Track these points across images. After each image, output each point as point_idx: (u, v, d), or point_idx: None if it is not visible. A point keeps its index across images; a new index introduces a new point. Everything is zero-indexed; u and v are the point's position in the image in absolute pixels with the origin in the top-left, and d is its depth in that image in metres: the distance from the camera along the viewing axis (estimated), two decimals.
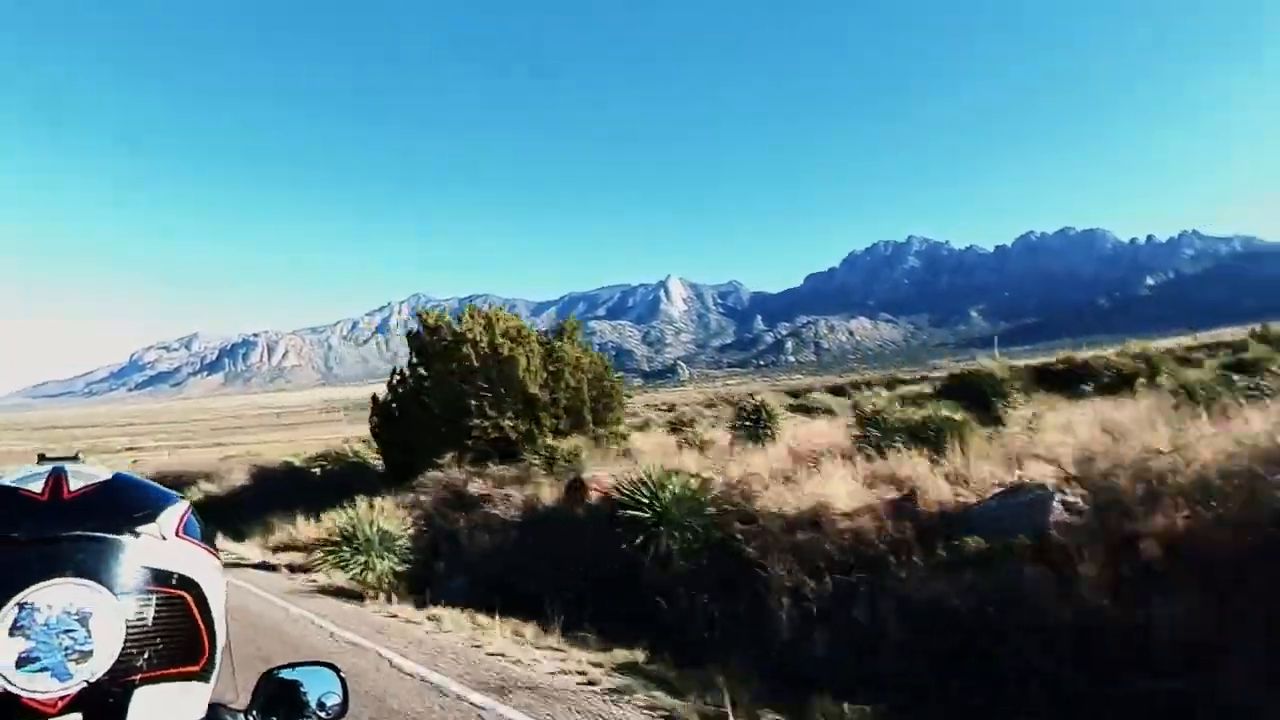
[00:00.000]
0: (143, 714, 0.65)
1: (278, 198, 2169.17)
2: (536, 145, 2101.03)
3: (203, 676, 0.74)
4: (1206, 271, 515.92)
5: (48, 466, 0.85)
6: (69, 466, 0.87)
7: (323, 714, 1.08)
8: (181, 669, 0.70)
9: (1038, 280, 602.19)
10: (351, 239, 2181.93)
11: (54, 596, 0.62)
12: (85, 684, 0.61)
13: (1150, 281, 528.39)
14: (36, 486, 0.74)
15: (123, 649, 0.64)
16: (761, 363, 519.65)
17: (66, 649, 0.61)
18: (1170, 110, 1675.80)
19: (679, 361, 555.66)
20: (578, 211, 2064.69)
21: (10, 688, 0.59)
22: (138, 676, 0.66)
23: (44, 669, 0.60)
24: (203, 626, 0.73)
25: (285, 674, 1.10)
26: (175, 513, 0.78)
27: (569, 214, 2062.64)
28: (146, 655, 0.66)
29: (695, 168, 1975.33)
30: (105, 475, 0.78)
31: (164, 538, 0.73)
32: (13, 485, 0.74)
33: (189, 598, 0.72)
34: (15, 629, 0.60)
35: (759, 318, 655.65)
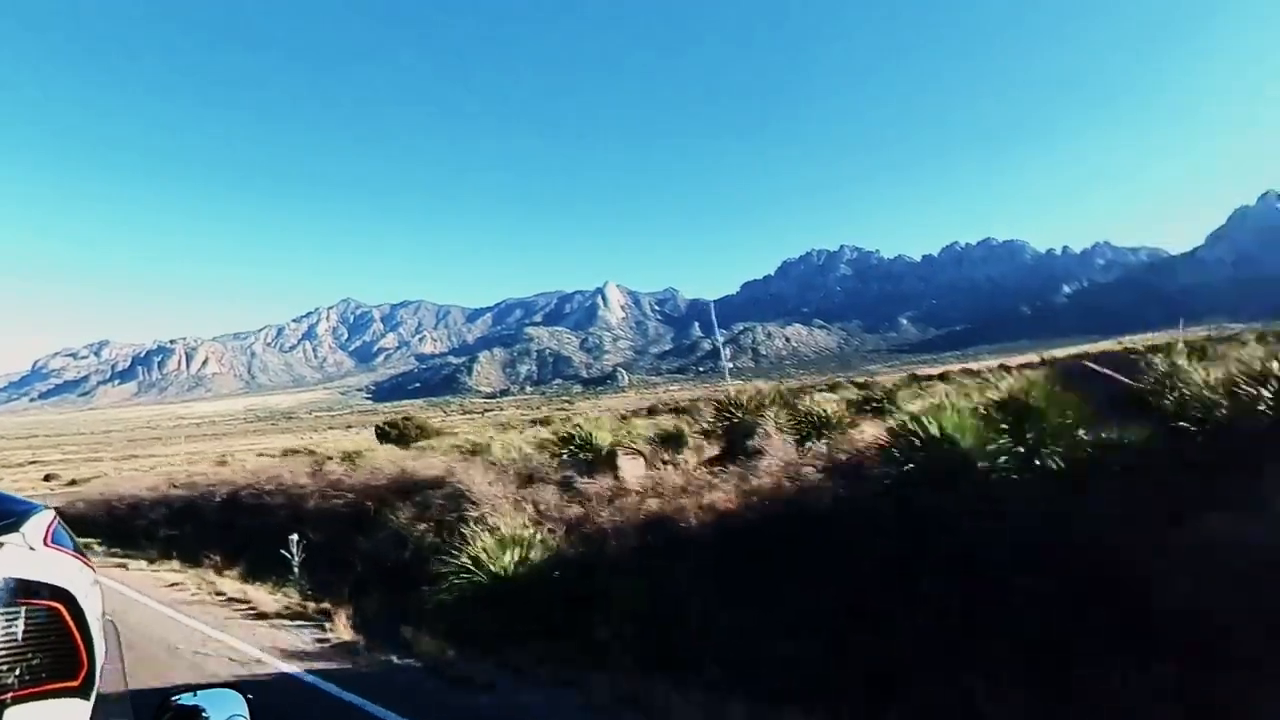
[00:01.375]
0: None
1: (196, 200, 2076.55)
2: (472, 150, 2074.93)
3: (82, 693, 0.69)
4: (1118, 281, 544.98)
5: None
6: None
7: None
8: (58, 685, 0.66)
9: (963, 289, 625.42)
10: (276, 243, 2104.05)
11: None
12: None
13: (1067, 290, 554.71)
14: None
15: None
16: (701, 369, 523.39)
17: None
18: (1082, 126, 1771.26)
19: (618, 368, 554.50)
20: (514, 217, 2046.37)
21: None
22: (9, 695, 0.62)
23: None
24: (79, 640, 0.68)
25: (185, 699, 1.04)
26: (41, 522, 0.73)
27: (504, 219, 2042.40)
28: (18, 672, 0.63)
29: (633, 175, 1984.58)
30: None
31: (32, 548, 0.69)
32: None
33: (63, 609, 0.68)
34: None
35: (696, 325, 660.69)
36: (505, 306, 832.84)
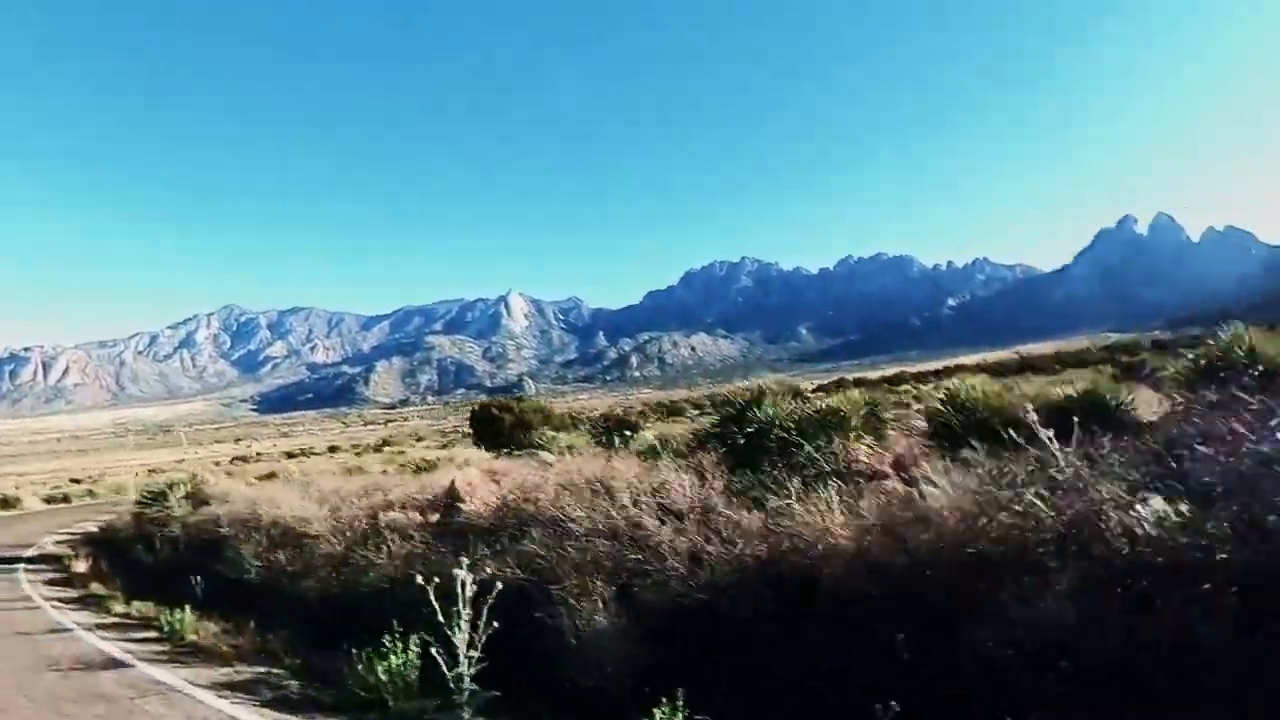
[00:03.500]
0: None
1: (52, 197, 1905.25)
2: (366, 151, 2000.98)
3: None
4: (996, 294, 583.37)
5: None
6: None
7: None
8: None
9: (857, 300, 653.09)
10: (149, 245, 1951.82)
11: None
12: None
13: (952, 303, 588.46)
14: None
15: None
16: (608, 377, 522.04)
17: None
18: (961, 148, 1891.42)
19: (524, 376, 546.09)
20: (410, 223, 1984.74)
21: None
22: None
23: None
24: None
25: None
26: None
27: (400, 225, 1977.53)
28: None
29: (536, 181, 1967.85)
30: None
31: None
32: None
33: None
34: None
35: (601, 334, 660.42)
36: (404, 314, 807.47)
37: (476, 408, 26.49)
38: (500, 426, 21.54)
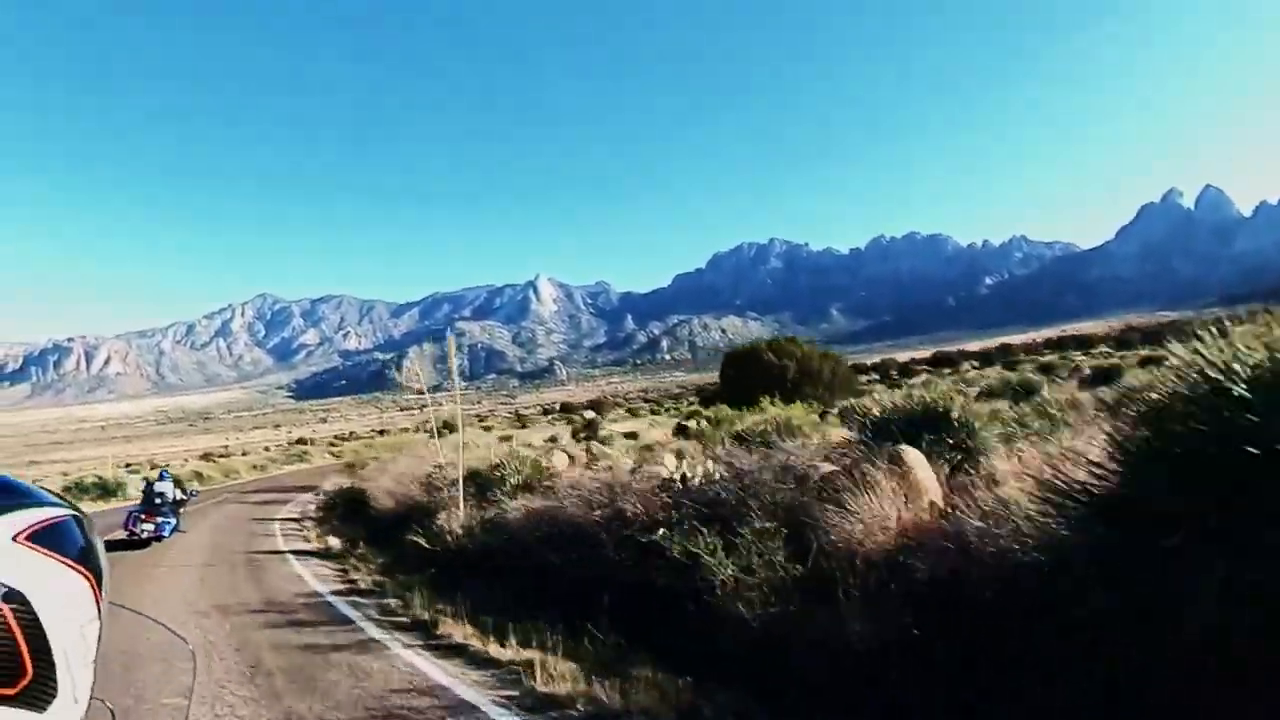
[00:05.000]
0: None
1: (92, 191, 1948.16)
2: (396, 143, 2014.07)
3: (23, 703, 0.63)
4: (1034, 273, 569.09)
5: None
6: None
7: None
8: None
9: (889, 281, 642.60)
10: (185, 236, 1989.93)
11: None
12: None
13: (989, 281, 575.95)
14: None
15: None
16: (639, 361, 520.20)
17: None
18: (999, 122, 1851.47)
19: (555, 361, 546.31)
20: (439, 210, 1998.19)
21: None
22: None
23: None
24: (24, 646, 0.63)
25: None
26: (27, 517, 0.69)
27: (429, 212, 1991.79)
28: None
29: (563, 167, 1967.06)
30: None
31: None
32: None
33: (8, 611, 0.62)
34: None
35: (629, 317, 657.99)
36: (433, 301, 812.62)
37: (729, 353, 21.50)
38: (774, 377, 17.01)
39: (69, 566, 0.69)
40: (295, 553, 12.08)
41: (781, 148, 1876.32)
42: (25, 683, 0.63)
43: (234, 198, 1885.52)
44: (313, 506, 18.97)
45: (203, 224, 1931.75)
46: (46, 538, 0.68)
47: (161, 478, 14.96)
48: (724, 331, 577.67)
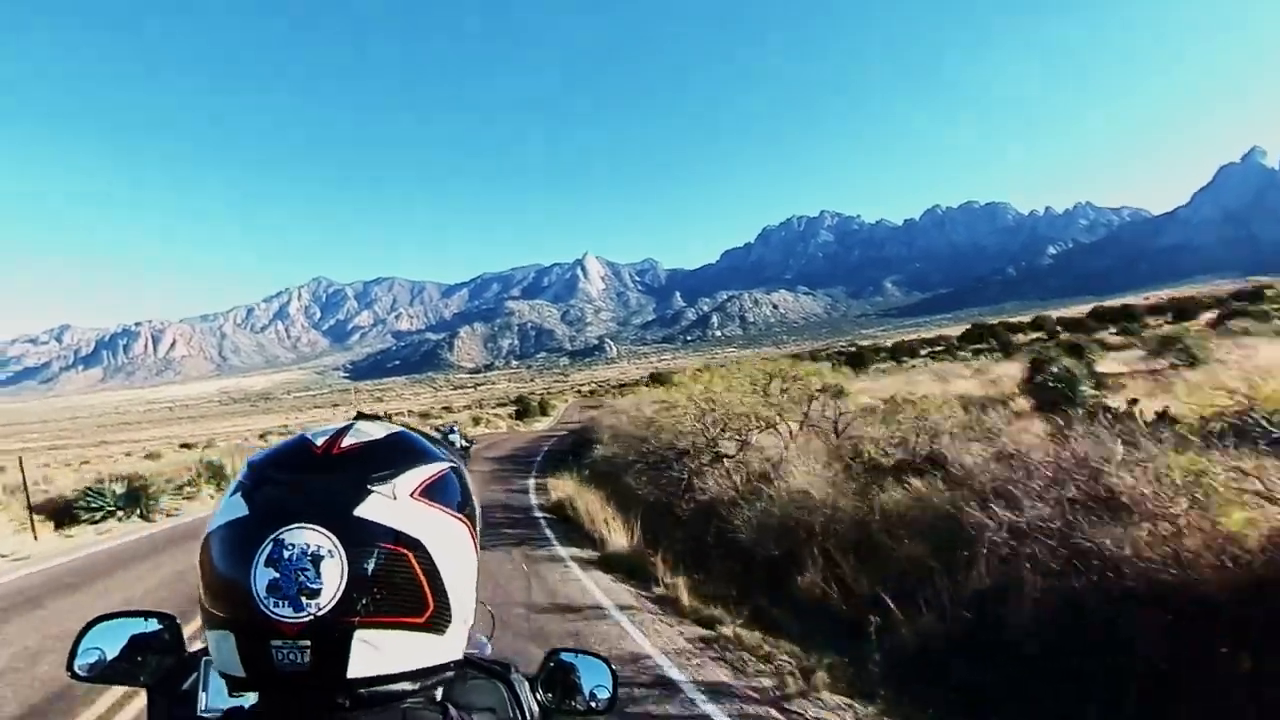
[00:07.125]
0: (364, 652, 0.74)
1: (154, 179, 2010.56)
2: (445, 126, 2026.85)
3: (429, 629, 0.79)
4: (1101, 241, 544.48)
5: (342, 423, 0.97)
6: (357, 424, 0.95)
7: (593, 704, 1.19)
8: (400, 620, 0.76)
9: (945, 252, 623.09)
10: (243, 223, 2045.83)
11: (298, 537, 0.73)
12: (313, 617, 0.71)
13: (1052, 251, 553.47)
14: (321, 440, 0.85)
15: (343, 593, 0.73)
16: (689, 338, 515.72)
17: (300, 584, 0.71)
18: (1058, 87, 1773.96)
19: (605, 339, 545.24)
20: (486, 192, 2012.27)
21: (263, 608, 0.71)
22: (355, 619, 0.73)
23: (285, 597, 0.71)
24: (425, 584, 0.78)
25: (566, 656, 1.21)
26: (419, 475, 0.83)
27: (477, 194, 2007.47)
28: (364, 602, 0.74)
29: (608, 146, 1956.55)
30: (379, 434, 0.88)
31: (395, 497, 0.79)
32: (309, 437, 0.86)
33: (411, 555, 0.77)
34: (270, 560, 0.72)
35: (678, 294, 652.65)
36: (482, 281, 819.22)
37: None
38: None
39: (452, 516, 0.84)
40: None
41: (829, 118, 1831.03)
42: (429, 613, 0.79)
43: (291, 184, 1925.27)
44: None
45: (260, 211, 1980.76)
46: (435, 491, 0.83)
47: (451, 430, 19.47)
48: (775, 306, 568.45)
